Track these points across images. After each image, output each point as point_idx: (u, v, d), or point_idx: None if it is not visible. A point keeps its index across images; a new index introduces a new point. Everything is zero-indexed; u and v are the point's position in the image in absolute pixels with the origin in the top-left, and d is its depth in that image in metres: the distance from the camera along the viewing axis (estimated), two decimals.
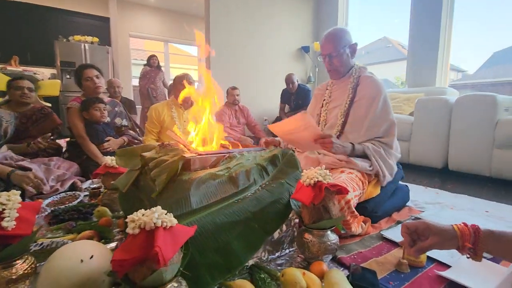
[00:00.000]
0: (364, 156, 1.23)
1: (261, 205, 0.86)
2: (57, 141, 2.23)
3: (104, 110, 1.97)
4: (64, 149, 2.08)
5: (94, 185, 1.63)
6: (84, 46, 4.98)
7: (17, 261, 0.70)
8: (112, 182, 1.23)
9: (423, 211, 1.37)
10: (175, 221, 0.59)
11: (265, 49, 4.16)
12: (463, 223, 0.64)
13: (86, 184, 1.71)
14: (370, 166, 1.19)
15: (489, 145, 1.97)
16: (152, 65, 4.55)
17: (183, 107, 2.19)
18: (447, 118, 2.20)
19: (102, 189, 1.43)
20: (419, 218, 1.25)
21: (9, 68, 3.77)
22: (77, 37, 4.97)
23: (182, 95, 1.37)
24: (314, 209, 0.85)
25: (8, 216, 0.68)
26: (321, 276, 0.78)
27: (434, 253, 0.92)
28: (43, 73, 4.72)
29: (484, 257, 0.86)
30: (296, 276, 0.73)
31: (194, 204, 0.77)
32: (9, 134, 1.73)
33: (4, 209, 0.69)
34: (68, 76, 4.82)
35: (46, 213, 1.23)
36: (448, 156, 2.21)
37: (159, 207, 0.59)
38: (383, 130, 1.26)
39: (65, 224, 1.11)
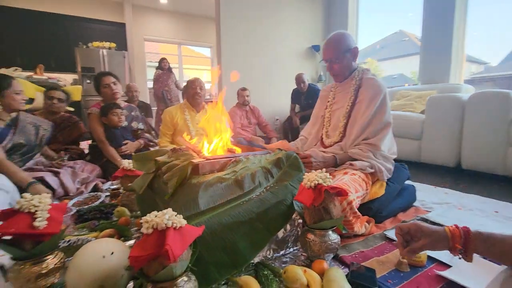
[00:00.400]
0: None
1: (265, 206, 0.92)
2: (80, 142, 2.40)
3: (121, 115, 2.08)
4: (86, 152, 2.24)
5: (114, 186, 1.75)
6: (102, 51, 5.21)
7: (48, 257, 0.79)
8: (130, 184, 1.32)
9: (430, 211, 1.38)
10: (184, 222, 0.66)
11: (276, 49, 4.19)
12: (455, 225, 0.67)
13: (107, 185, 1.83)
14: (370, 166, 1.22)
15: (503, 143, 1.92)
16: (164, 68, 4.66)
17: (196, 109, 2.28)
18: (460, 116, 2.16)
19: (121, 190, 1.53)
20: (425, 219, 1.27)
21: (35, 76, 4.01)
22: (96, 43, 5.20)
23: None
24: (315, 210, 0.89)
25: (40, 217, 0.78)
26: (322, 273, 0.83)
27: (435, 253, 0.95)
28: (65, 79, 4.98)
29: (484, 258, 0.88)
30: (297, 273, 0.79)
31: (202, 205, 0.84)
32: (44, 143, 1.82)
33: (36, 211, 0.78)
34: (88, 81, 5.06)
35: (72, 212, 1.34)
36: (461, 155, 2.17)
37: (169, 210, 0.66)
38: (376, 130, 1.28)
39: (89, 223, 1.22)
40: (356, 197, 1.08)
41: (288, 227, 1.01)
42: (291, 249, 1.02)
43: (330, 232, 0.91)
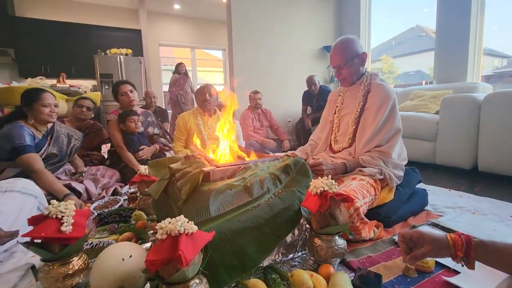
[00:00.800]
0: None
1: (273, 212, 0.96)
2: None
3: (138, 121, 2.18)
4: (106, 156, 2.36)
5: (131, 190, 1.84)
6: (120, 58, 5.41)
7: (74, 258, 0.87)
8: (146, 189, 1.40)
9: (442, 216, 1.37)
10: (195, 228, 0.71)
11: (287, 51, 4.20)
12: (457, 232, 0.68)
13: (125, 189, 1.93)
14: (380, 173, 1.23)
15: None
16: (181, 72, 4.80)
17: (207, 114, 2.35)
18: (476, 117, 2.10)
19: (138, 194, 1.62)
20: (436, 224, 1.26)
21: (58, 85, 4.24)
22: (114, 50, 5.41)
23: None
24: (321, 216, 0.92)
25: (66, 222, 0.85)
26: (328, 278, 0.85)
27: (443, 259, 0.95)
28: (86, 86, 5.22)
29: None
30: (303, 277, 0.82)
31: (213, 212, 0.89)
32: (74, 152, 1.90)
33: (63, 216, 0.85)
34: (106, 87, 5.28)
35: (94, 216, 1.43)
36: (477, 157, 2.12)
37: (182, 216, 0.71)
38: (387, 138, 1.29)
39: (109, 226, 1.31)
40: (363, 203, 1.09)
41: (296, 231, 1.04)
42: (300, 253, 1.05)
43: (336, 237, 0.93)
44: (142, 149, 2.20)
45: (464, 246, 0.64)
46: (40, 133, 1.68)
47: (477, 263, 0.65)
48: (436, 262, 0.95)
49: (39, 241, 0.83)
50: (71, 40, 5.34)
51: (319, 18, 4.42)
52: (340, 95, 1.51)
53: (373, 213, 1.20)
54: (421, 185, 1.66)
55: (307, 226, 1.06)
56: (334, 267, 0.92)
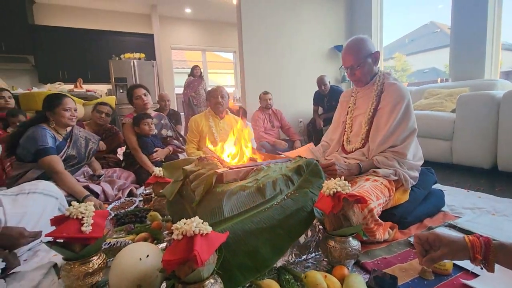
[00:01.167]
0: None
1: (286, 213, 0.96)
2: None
3: (151, 124, 2.24)
4: (122, 159, 2.43)
5: (147, 191, 1.89)
6: (133, 62, 5.55)
7: (93, 258, 0.90)
8: (161, 190, 1.43)
9: (460, 217, 1.33)
10: (210, 228, 0.72)
11: (298, 51, 4.19)
12: (476, 234, 0.66)
13: (140, 190, 1.98)
14: (394, 174, 1.21)
15: None
16: (196, 75, 4.88)
17: (219, 116, 2.37)
18: (494, 115, 2.03)
19: (153, 195, 1.65)
20: (453, 225, 1.23)
21: (75, 90, 4.39)
22: (127, 55, 5.55)
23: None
24: (334, 217, 0.92)
25: (86, 223, 0.88)
26: (342, 279, 0.85)
27: (461, 262, 0.93)
28: (102, 90, 5.38)
29: None
30: (317, 279, 0.82)
31: (226, 213, 0.90)
32: (91, 155, 1.99)
33: (83, 217, 0.89)
34: (121, 91, 5.42)
35: (111, 216, 1.48)
36: (497, 156, 2.05)
37: (197, 218, 0.73)
38: (402, 138, 1.26)
39: (126, 226, 1.34)
40: (377, 204, 1.08)
41: (309, 232, 1.04)
42: (313, 254, 1.05)
43: (350, 238, 0.92)
44: (156, 151, 2.25)
45: (483, 249, 0.63)
46: (61, 135, 1.76)
47: (497, 266, 0.63)
48: (454, 265, 0.93)
49: (61, 240, 0.86)
50: (87, 46, 5.53)
51: (329, 17, 4.39)
52: (352, 96, 1.50)
53: (388, 214, 1.18)
54: (437, 186, 1.62)
55: (320, 227, 1.05)
56: (348, 268, 0.91)
